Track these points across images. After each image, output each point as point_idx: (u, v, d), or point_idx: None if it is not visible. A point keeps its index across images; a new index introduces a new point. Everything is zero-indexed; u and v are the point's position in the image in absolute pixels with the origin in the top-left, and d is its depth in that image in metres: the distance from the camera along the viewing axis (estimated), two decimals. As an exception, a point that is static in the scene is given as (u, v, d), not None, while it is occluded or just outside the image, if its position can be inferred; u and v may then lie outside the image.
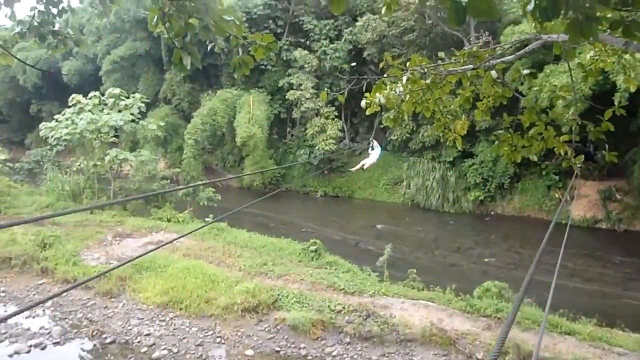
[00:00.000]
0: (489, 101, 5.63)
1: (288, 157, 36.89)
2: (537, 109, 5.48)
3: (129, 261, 12.39)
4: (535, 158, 5.68)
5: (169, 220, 20.50)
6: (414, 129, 31.35)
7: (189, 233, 14.48)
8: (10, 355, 11.59)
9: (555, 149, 5.68)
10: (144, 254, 9.70)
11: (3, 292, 14.79)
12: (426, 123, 28.60)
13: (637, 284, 18.24)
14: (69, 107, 22.80)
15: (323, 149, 32.70)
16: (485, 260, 21.23)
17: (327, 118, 33.92)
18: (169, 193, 23.10)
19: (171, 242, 9.94)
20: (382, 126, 31.27)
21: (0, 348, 11.86)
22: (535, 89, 18.68)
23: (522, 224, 27.05)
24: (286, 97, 34.86)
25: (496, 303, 12.85)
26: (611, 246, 22.80)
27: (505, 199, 29.41)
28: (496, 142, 5.86)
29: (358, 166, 12.52)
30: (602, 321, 12.54)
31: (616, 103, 5.28)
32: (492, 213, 29.56)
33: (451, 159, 30.57)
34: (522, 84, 18.13)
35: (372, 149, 11.87)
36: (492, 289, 13.61)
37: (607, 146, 5.67)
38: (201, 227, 16.49)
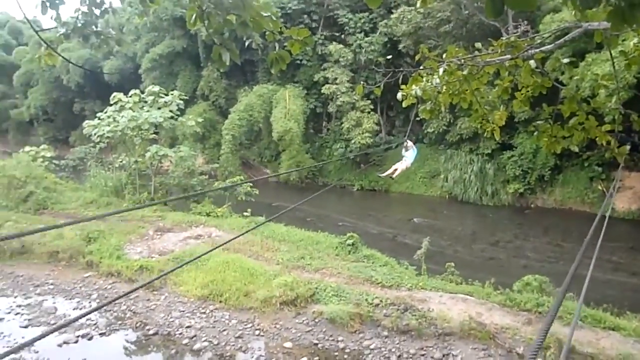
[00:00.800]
0: (528, 91, 5.54)
1: (324, 152, 36.99)
2: (577, 98, 5.36)
3: (197, 257, 12.56)
4: (576, 149, 5.57)
5: (207, 215, 20.83)
6: (451, 121, 30.96)
7: (247, 232, 14.65)
8: (60, 345, 12.03)
9: (597, 140, 5.56)
10: (208, 252, 9.83)
11: (52, 284, 15.33)
12: (463, 115, 28.22)
13: (686, 278, 17.64)
14: (111, 105, 23.36)
15: (359, 142, 32.68)
16: (526, 254, 20.87)
17: (362, 112, 33.84)
18: (209, 188, 23.48)
19: (228, 241, 10.08)
20: (418, 119, 31.00)
21: (50, 338, 12.31)
22: (576, 78, 18.22)
23: (563, 217, 26.46)
24: (322, 91, 34.92)
25: (537, 297, 12.61)
26: (658, 239, 22.08)
27: (546, 192, 28.81)
28: (535, 133, 5.76)
29: (389, 172, 10.85)
30: (648, 317, 12.19)
31: (661, 91, 5.12)
32: (532, 206, 29.01)
33: (490, 151, 30.09)
34: (562, 73, 17.76)
35: (406, 149, 10.17)
36: (532, 283, 13.37)
37: (651, 136, 5.50)
38: (256, 227, 16.49)
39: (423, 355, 11.45)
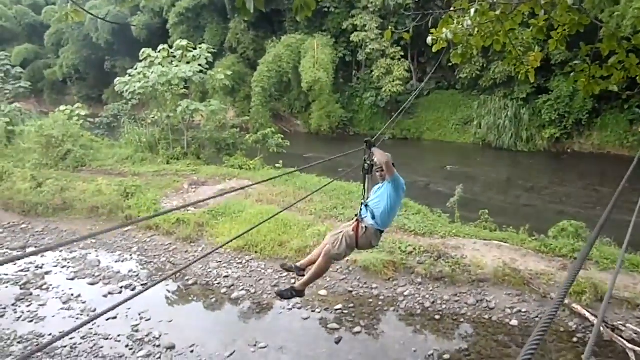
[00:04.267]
0: (565, 30, 5.31)
1: (355, 101, 36.61)
2: (618, 36, 5.12)
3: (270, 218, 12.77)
4: (615, 88, 5.37)
5: (240, 168, 21.02)
6: (484, 65, 30.13)
7: (276, 177, 14.80)
8: (105, 296, 12.57)
9: (638, 79, 5.34)
10: (278, 213, 9.97)
11: (94, 239, 15.89)
12: (497, 59, 27.42)
13: None
14: (140, 61, 23.41)
15: (390, 90, 32.22)
16: (562, 199, 20.55)
17: (393, 59, 33.19)
18: (240, 142, 23.63)
19: (246, 187, 10.25)
20: (450, 64, 30.26)
21: (96, 289, 12.89)
22: (617, 14, 17.39)
23: (601, 161, 25.83)
24: (350, 39, 34.25)
25: (572, 243, 12.48)
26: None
27: (583, 136, 28.07)
28: (572, 74, 5.57)
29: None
30: (689, 260, 11.95)
31: None
32: (568, 151, 28.37)
33: (524, 96, 29.32)
34: (602, 11, 16.90)
35: (374, 176, 5.51)
36: (568, 229, 13.21)
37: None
38: (282, 175, 16.65)
39: (457, 301, 11.56)
